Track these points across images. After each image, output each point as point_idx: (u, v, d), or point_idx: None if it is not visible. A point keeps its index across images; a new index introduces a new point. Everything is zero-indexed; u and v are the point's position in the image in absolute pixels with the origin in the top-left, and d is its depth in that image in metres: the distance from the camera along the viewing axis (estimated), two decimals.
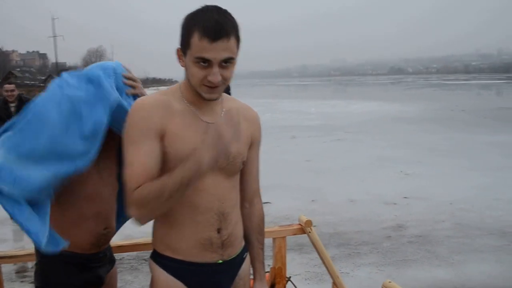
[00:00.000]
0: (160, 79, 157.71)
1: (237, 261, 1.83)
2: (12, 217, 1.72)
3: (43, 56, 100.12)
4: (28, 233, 1.67)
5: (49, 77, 48.87)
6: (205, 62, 1.54)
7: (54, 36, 72.52)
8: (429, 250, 5.20)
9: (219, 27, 1.52)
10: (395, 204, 6.90)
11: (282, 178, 8.16)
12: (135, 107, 1.64)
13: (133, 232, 5.76)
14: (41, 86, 43.91)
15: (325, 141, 13.42)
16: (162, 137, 1.62)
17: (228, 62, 1.57)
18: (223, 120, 1.72)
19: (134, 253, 4.84)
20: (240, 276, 1.85)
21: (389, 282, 2.20)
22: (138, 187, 1.53)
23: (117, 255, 4.89)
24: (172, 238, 1.72)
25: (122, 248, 2.69)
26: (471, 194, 7.39)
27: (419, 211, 6.57)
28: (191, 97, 1.69)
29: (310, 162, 10.24)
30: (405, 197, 7.22)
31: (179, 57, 1.64)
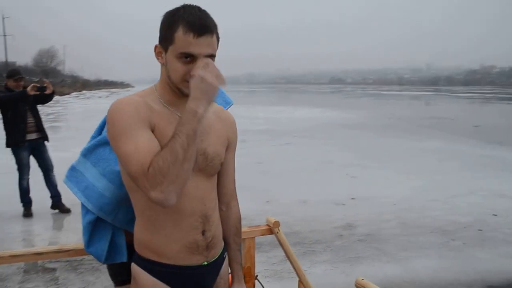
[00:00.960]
0: (112, 81, 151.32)
1: (219, 262, 1.80)
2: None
3: None
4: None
5: None
6: (188, 57, 1.50)
7: (4, 35, 68.74)
8: (377, 247, 5.28)
9: (204, 23, 1.50)
10: (343, 204, 6.98)
11: (236, 180, 8.10)
12: (117, 105, 1.52)
13: None
14: None
15: (274, 145, 13.46)
16: (153, 130, 1.53)
17: (209, 58, 1.53)
18: None
19: None
20: (221, 276, 1.83)
21: (362, 279, 2.19)
22: (149, 166, 1.39)
23: (78, 257, 4.75)
24: (157, 242, 1.65)
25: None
26: (411, 195, 7.56)
27: (366, 211, 6.66)
28: (169, 97, 1.62)
29: (262, 165, 10.24)
30: (352, 198, 7.31)
31: (158, 54, 1.59)
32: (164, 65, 1.58)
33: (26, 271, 4.56)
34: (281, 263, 4.63)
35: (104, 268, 4.62)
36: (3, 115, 6.22)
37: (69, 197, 6.57)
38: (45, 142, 6.50)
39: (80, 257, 4.66)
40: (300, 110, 30.02)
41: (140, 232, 1.69)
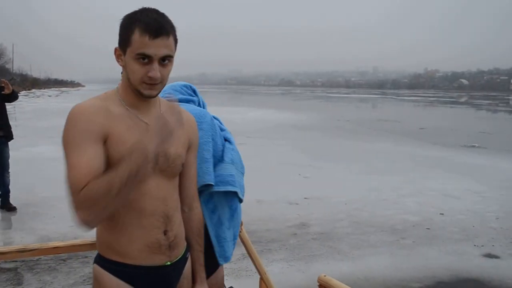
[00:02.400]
0: (62, 80, 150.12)
1: (182, 262, 1.78)
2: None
3: None
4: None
5: None
6: (145, 59, 1.51)
7: None
8: (331, 246, 5.35)
9: (159, 24, 1.51)
10: (297, 204, 7.04)
11: None
12: (75, 111, 1.52)
13: (50, 232, 5.48)
14: None
15: None
16: (105, 141, 1.53)
17: (166, 59, 1.55)
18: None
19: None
20: (184, 275, 1.81)
21: (324, 276, 2.21)
22: (84, 187, 1.40)
23: (34, 256, 4.61)
24: (119, 243, 1.62)
25: (58, 249, 2.53)
26: (362, 195, 7.71)
27: (319, 210, 6.74)
28: (130, 99, 1.62)
29: None
30: (305, 198, 7.38)
31: (118, 57, 1.59)
32: (123, 67, 1.58)
33: None
34: (238, 261, 4.62)
35: (60, 267, 4.55)
36: None
37: (14, 197, 6.44)
38: (9, 142, 6.36)
39: (36, 257, 4.55)
40: (252, 111, 30.13)
41: (102, 232, 1.66)
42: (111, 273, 1.63)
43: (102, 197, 1.38)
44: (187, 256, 1.83)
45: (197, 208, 1.91)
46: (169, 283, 1.74)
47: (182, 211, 1.82)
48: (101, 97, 1.63)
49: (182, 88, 2.42)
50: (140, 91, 1.56)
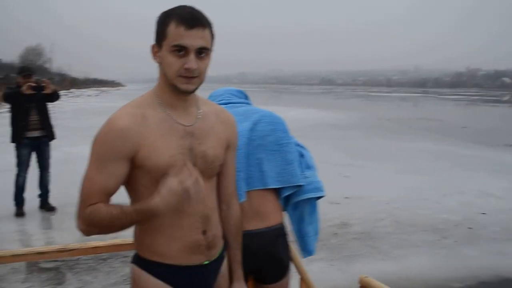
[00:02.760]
0: (102, 80, 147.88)
1: (219, 260, 1.78)
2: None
3: None
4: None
5: None
6: (181, 50, 1.50)
7: None
8: (372, 245, 5.32)
9: (195, 16, 1.51)
10: (338, 203, 7.01)
11: None
12: (111, 124, 1.54)
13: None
14: None
15: None
16: (135, 155, 1.54)
17: (203, 52, 1.53)
18: (199, 123, 1.66)
19: None
20: (222, 274, 1.81)
21: (365, 277, 2.21)
22: (92, 204, 1.53)
23: (75, 256, 4.61)
24: (158, 243, 1.63)
25: (98, 249, 2.58)
26: (403, 195, 7.61)
27: (360, 210, 6.70)
28: (168, 98, 1.61)
29: None
30: (346, 197, 7.35)
31: (154, 54, 1.58)
32: (160, 64, 1.57)
33: (21, 271, 4.44)
34: None
35: (101, 267, 4.57)
36: (10, 111, 6.26)
37: (54, 197, 6.51)
38: (51, 142, 6.44)
39: (77, 257, 4.57)
40: (292, 110, 30.06)
41: (140, 233, 1.67)
42: (150, 273, 1.64)
43: (103, 226, 1.55)
44: (224, 254, 1.82)
45: (235, 205, 1.89)
46: (206, 282, 1.73)
47: (221, 209, 1.82)
48: (138, 102, 1.62)
49: (238, 93, 2.45)
50: (176, 86, 1.54)
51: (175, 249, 1.62)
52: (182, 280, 1.65)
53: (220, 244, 1.77)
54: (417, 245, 5.36)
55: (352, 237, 5.57)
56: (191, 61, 1.49)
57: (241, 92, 2.48)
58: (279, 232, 2.18)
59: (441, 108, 41.65)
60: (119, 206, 1.53)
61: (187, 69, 1.50)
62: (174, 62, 1.51)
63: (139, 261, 1.67)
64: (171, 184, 1.49)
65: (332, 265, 4.74)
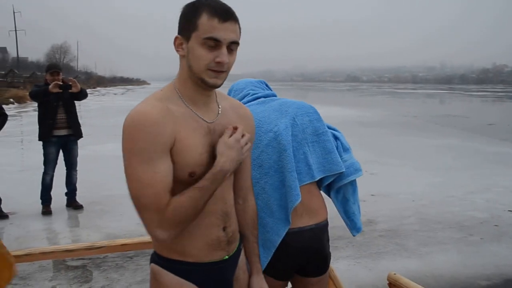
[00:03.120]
0: (127, 78, 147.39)
1: (238, 254, 1.76)
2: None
3: (3, 50, 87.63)
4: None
5: (10, 72, 46.16)
6: (213, 43, 1.43)
7: (15, 30, 66.10)
8: (398, 243, 5.28)
9: (228, 10, 1.45)
10: (364, 201, 6.95)
11: None
12: (140, 120, 1.40)
13: (116, 230, 5.57)
14: (1, 81, 40.92)
15: None
16: (171, 148, 1.46)
17: (234, 46, 1.48)
18: (220, 119, 1.61)
19: None
20: (239, 266, 1.78)
21: (394, 274, 2.22)
22: (165, 205, 1.42)
23: (102, 254, 4.61)
24: (179, 242, 1.57)
25: (126, 247, 2.58)
26: (429, 192, 7.53)
27: (386, 207, 6.66)
28: (189, 93, 1.54)
29: None
30: (372, 195, 7.30)
31: (178, 46, 1.50)
32: (184, 56, 1.50)
33: (48, 269, 4.46)
34: None
35: (128, 265, 4.59)
36: (38, 109, 6.26)
37: (81, 195, 6.51)
38: (78, 140, 6.42)
39: (103, 255, 4.57)
40: (319, 108, 29.84)
41: None
42: (172, 272, 1.60)
43: (189, 216, 1.46)
44: (241, 247, 1.80)
45: (251, 200, 1.85)
46: (226, 276, 1.71)
47: (237, 203, 1.79)
48: (158, 96, 1.53)
49: (260, 84, 2.43)
50: (204, 80, 1.47)
51: (197, 247, 1.60)
52: (203, 276, 1.63)
53: (238, 237, 1.76)
54: (443, 242, 5.31)
55: (378, 235, 5.54)
56: (224, 55, 1.43)
57: (262, 82, 2.46)
58: (326, 227, 2.21)
59: (467, 104, 40.89)
60: (191, 188, 1.45)
61: (218, 63, 1.44)
62: (205, 55, 1.44)
63: (160, 260, 1.63)
64: (227, 141, 1.51)
65: (358, 262, 4.72)
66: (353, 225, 2.36)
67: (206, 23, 1.42)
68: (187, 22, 1.46)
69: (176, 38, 1.50)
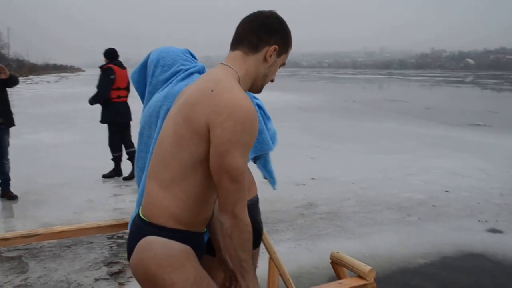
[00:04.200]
0: (61, 65, 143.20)
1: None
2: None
3: None
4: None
5: None
6: None
7: None
8: (338, 225, 5.41)
9: None
10: (304, 184, 7.09)
11: None
12: (254, 117, 1.55)
13: (53, 220, 5.42)
14: None
15: None
16: None
17: None
18: None
19: (55, 240, 4.52)
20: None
21: (337, 252, 2.28)
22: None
23: (36, 243, 4.49)
24: (189, 215, 1.67)
25: (64, 234, 2.52)
26: (369, 175, 7.75)
27: (326, 190, 6.79)
28: (245, 90, 1.75)
29: None
30: (312, 178, 7.43)
31: (271, 53, 1.72)
32: (267, 63, 1.73)
33: None
34: None
35: (65, 254, 4.47)
36: None
37: (15, 185, 6.30)
38: (10, 129, 6.15)
39: (40, 244, 4.52)
40: (260, 93, 29.99)
41: (180, 209, 1.67)
42: (173, 239, 1.66)
43: (244, 241, 1.60)
44: None
45: None
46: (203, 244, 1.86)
47: None
48: (240, 88, 1.63)
49: (187, 56, 2.34)
50: (260, 89, 1.79)
51: (199, 220, 1.72)
52: (196, 243, 1.73)
53: None
54: (382, 223, 5.48)
55: (318, 217, 5.65)
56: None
57: (187, 52, 2.39)
58: (257, 202, 2.32)
59: (406, 89, 42.39)
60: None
61: (272, 81, 1.80)
62: (274, 74, 1.79)
63: (164, 232, 1.66)
64: None
65: (299, 244, 4.80)
66: (273, 181, 2.55)
67: (289, 52, 1.79)
68: (286, 42, 1.77)
69: (275, 48, 1.72)
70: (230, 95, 1.54)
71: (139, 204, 2.17)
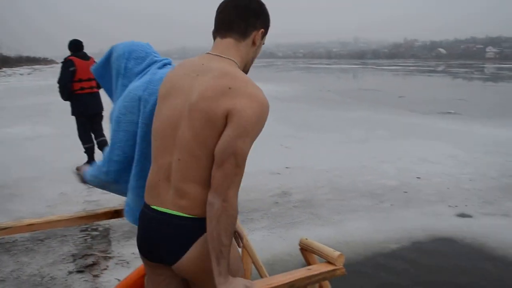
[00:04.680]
0: (34, 57, 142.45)
1: None
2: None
3: None
4: None
5: None
6: None
7: None
8: (312, 212, 5.45)
9: None
10: (279, 174, 7.11)
11: None
12: (266, 106, 1.66)
13: (26, 214, 5.32)
14: None
15: None
16: None
17: None
18: None
19: (28, 234, 4.44)
20: None
21: (306, 239, 2.29)
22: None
23: (9, 237, 4.41)
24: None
25: (33, 226, 2.50)
26: (343, 163, 7.80)
27: (301, 179, 6.82)
28: None
29: None
30: (287, 167, 7.46)
31: (259, 36, 1.75)
32: (255, 47, 1.76)
33: None
34: None
35: (38, 247, 4.41)
36: None
37: None
38: None
39: (13, 238, 4.44)
40: None
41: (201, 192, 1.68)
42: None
43: (227, 229, 1.60)
44: None
45: None
46: None
47: None
48: (252, 81, 1.70)
49: (152, 48, 2.44)
50: (248, 71, 1.80)
51: None
52: None
53: None
54: (355, 210, 5.54)
55: (292, 205, 5.67)
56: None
57: (150, 45, 2.47)
58: None
59: (379, 78, 42.73)
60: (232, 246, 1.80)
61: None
62: (258, 53, 1.81)
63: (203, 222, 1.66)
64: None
65: (273, 233, 4.82)
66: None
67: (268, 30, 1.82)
68: (268, 24, 1.78)
69: (262, 31, 1.75)
70: (249, 90, 1.63)
71: (140, 197, 2.15)
